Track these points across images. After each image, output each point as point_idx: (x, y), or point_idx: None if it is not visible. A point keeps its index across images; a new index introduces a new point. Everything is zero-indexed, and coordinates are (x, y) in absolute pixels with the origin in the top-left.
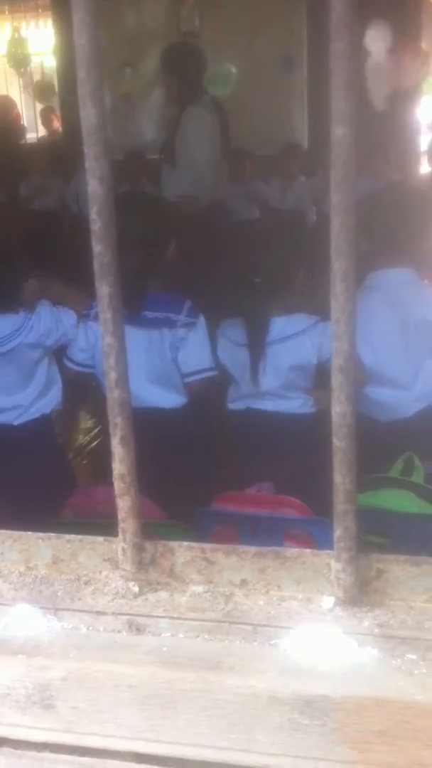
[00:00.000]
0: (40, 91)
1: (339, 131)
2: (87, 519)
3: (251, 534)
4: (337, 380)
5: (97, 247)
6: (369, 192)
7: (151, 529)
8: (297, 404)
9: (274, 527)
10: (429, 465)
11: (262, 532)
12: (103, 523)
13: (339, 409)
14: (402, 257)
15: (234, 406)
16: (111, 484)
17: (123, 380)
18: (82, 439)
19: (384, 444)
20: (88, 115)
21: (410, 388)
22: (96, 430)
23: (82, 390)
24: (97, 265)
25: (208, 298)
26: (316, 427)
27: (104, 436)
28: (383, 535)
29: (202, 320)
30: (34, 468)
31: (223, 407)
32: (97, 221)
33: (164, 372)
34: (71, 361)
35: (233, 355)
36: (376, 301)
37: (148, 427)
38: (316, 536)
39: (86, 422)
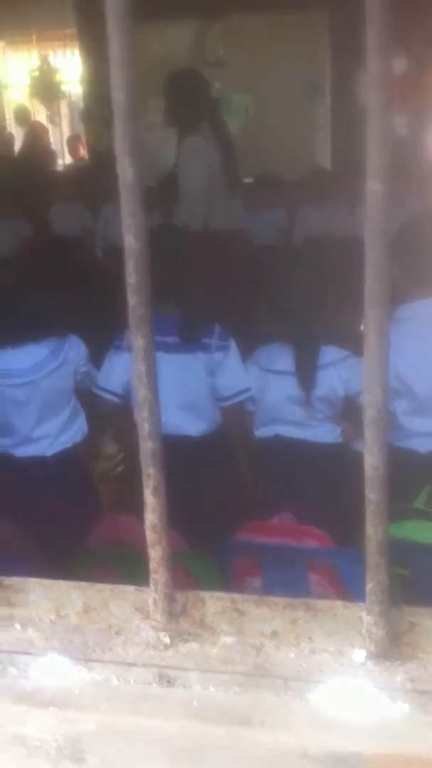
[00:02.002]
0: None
1: (374, 186)
2: (112, 548)
3: (274, 565)
4: (370, 432)
5: (132, 299)
6: (395, 219)
7: (175, 559)
8: (323, 432)
9: (296, 558)
10: None
11: (284, 563)
12: (129, 553)
13: (372, 461)
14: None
15: (261, 433)
16: (134, 512)
17: (156, 431)
18: (104, 465)
19: (422, 475)
20: (125, 173)
21: None
22: (119, 457)
23: (108, 417)
24: (132, 318)
25: (238, 325)
26: (341, 457)
27: (127, 462)
28: (406, 566)
29: (233, 343)
30: (64, 497)
31: (251, 434)
32: (133, 275)
33: (197, 398)
34: (103, 389)
35: (264, 382)
36: (406, 334)
37: (173, 454)
38: (339, 566)
39: (109, 448)
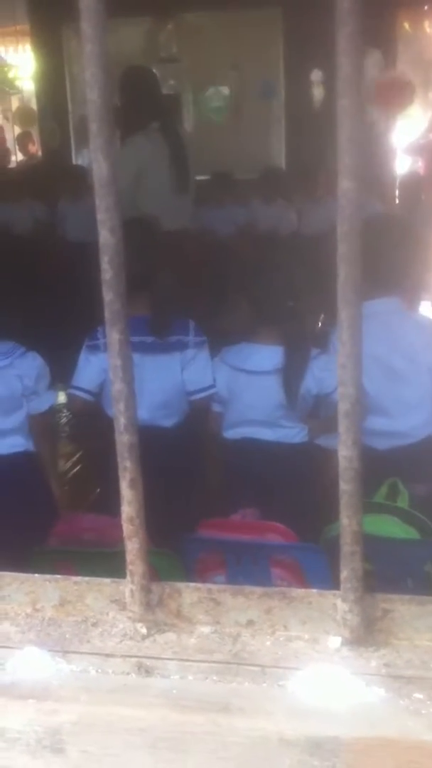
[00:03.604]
0: (21, 116)
1: (345, 185)
2: (73, 547)
3: (237, 560)
4: (343, 425)
5: (107, 295)
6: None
7: None
8: (293, 433)
9: (259, 553)
10: (421, 488)
11: (247, 559)
12: (90, 552)
13: (346, 453)
14: (387, 287)
15: (230, 435)
16: (95, 511)
17: (132, 425)
18: (63, 465)
19: (380, 472)
20: (100, 168)
21: (403, 417)
22: (77, 456)
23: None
24: (108, 313)
25: (206, 322)
26: (306, 455)
27: (85, 462)
28: (369, 560)
29: (205, 339)
30: (16, 496)
31: (219, 434)
32: (108, 271)
33: (172, 396)
34: (76, 388)
35: (234, 382)
36: (366, 329)
37: (145, 445)
38: (302, 561)
39: (66, 447)
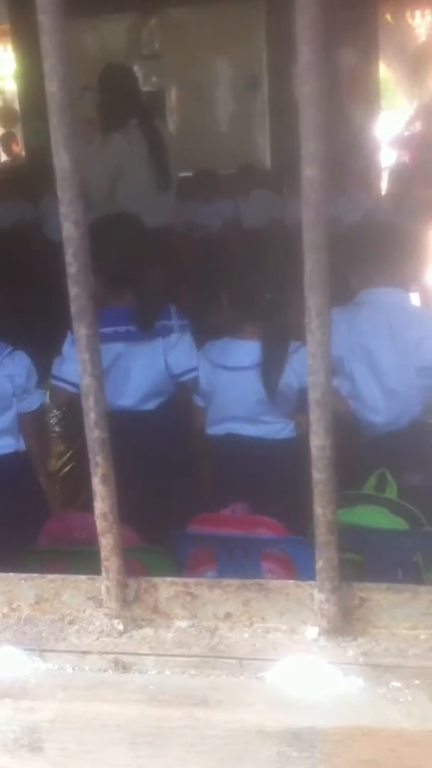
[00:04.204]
0: (4, 116)
1: (309, 172)
2: (63, 546)
3: (227, 555)
4: (315, 414)
5: (73, 290)
6: (345, 212)
7: (129, 554)
8: (277, 429)
9: (249, 547)
10: (414, 477)
11: (238, 553)
12: (81, 550)
13: (318, 442)
14: (392, 276)
15: (213, 431)
16: (86, 509)
17: (102, 420)
18: (54, 464)
19: (369, 460)
20: (61, 161)
21: (384, 407)
22: (68, 455)
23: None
24: (74, 308)
25: (191, 317)
26: (294, 451)
27: (77, 460)
28: (359, 552)
29: (187, 321)
30: (7, 496)
31: (202, 431)
32: (73, 264)
33: (159, 382)
34: (64, 381)
35: (215, 378)
36: (364, 317)
37: (132, 427)
38: (293, 555)
39: (58, 446)
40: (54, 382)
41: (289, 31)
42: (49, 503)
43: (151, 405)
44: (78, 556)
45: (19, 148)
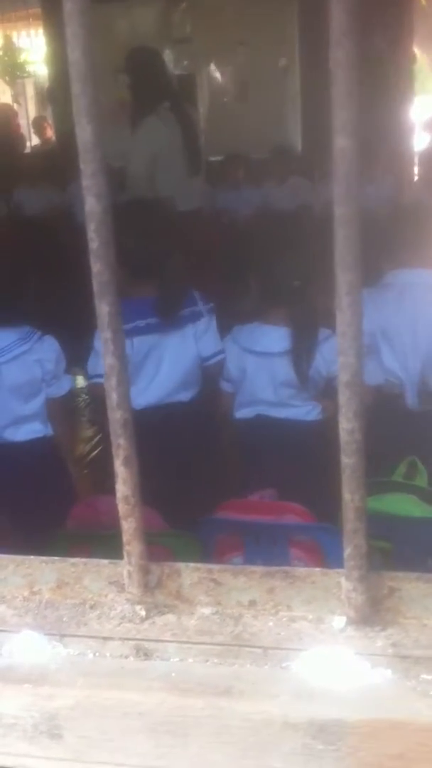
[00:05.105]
0: (41, 100)
1: (340, 142)
2: (91, 530)
3: (255, 542)
4: (344, 396)
5: (95, 265)
6: (372, 199)
7: (155, 539)
8: (304, 411)
9: (278, 534)
10: None
11: (266, 540)
12: (108, 534)
13: (347, 426)
14: (420, 262)
15: (241, 414)
16: (112, 493)
17: (125, 401)
18: (82, 448)
19: (397, 441)
20: (83, 132)
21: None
22: (96, 439)
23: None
24: (96, 285)
25: (218, 303)
26: (322, 434)
27: (105, 444)
28: (388, 540)
29: (212, 304)
30: (35, 481)
31: (231, 415)
32: (95, 239)
33: (190, 370)
34: (94, 376)
35: (244, 363)
36: (391, 298)
37: (165, 419)
38: (321, 542)
39: (86, 431)
40: (94, 380)
41: (321, 14)
42: (77, 488)
43: (183, 396)
44: (104, 541)
45: (50, 132)
